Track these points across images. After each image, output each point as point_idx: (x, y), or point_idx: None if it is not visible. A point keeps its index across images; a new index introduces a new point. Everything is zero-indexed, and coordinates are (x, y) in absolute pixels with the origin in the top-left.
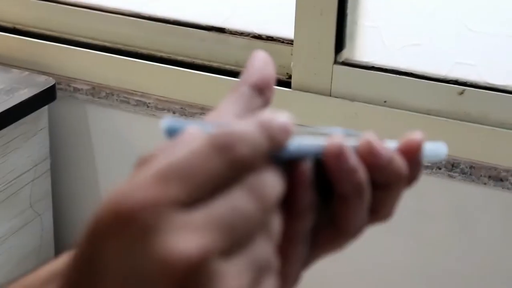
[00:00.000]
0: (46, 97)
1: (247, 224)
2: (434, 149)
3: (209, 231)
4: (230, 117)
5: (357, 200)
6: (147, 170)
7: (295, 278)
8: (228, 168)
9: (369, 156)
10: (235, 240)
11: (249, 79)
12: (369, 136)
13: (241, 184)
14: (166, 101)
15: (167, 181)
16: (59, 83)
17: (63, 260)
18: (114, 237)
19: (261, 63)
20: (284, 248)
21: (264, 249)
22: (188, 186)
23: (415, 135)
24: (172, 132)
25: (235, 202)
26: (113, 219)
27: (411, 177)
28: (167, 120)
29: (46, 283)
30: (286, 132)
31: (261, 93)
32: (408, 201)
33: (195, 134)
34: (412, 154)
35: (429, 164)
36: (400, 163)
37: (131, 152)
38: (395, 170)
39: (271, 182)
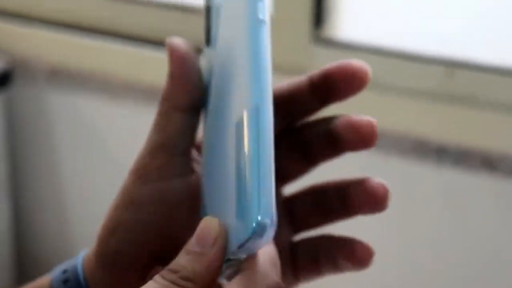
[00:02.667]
0: (0, 80)
1: None
2: None
3: None
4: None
5: None
6: None
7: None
8: None
9: None
10: None
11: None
12: None
13: None
14: (132, 84)
15: None
16: (15, 65)
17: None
18: None
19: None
20: None
21: None
22: None
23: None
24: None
25: None
26: None
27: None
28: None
29: None
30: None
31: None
32: (394, 190)
33: None
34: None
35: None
36: None
37: (94, 141)
38: None
39: None
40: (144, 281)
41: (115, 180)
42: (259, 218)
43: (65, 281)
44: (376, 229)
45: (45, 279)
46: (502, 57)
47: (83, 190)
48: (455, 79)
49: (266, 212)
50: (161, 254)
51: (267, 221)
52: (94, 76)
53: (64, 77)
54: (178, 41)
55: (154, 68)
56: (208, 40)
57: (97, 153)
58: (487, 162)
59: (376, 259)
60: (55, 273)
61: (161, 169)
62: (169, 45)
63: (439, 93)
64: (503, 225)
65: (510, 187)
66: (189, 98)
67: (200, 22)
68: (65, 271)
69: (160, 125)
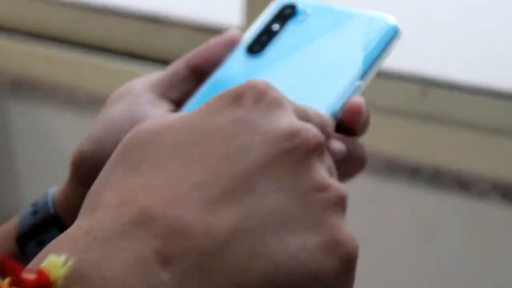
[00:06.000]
0: None
1: None
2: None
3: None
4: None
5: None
6: None
7: None
8: None
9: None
10: None
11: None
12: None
13: None
14: (98, 96)
15: None
16: None
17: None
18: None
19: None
20: None
21: None
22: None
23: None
24: None
25: None
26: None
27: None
28: None
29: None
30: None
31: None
32: (366, 210)
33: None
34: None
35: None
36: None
37: (57, 155)
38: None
39: None
40: None
41: None
42: None
43: (35, 212)
44: None
45: (14, 219)
46: (478, 77)
47: None
48: (430, 98)
49: None
50: None
51: None
52: (59, 87)
53: (27, 88)
54: (235, 32)
55: (121, 80)
56: (256, 49)
57: (60, 167)
58: (460, 183)
59: None
60: (24, 209)
61: (142, 94)
62: (228, 31)
63: (414, 112)
64: (475, 247)
65: (483, 209)
66: (201, 64)
67: (169, 33)
68: (34, 204)
69: (169, 68)
